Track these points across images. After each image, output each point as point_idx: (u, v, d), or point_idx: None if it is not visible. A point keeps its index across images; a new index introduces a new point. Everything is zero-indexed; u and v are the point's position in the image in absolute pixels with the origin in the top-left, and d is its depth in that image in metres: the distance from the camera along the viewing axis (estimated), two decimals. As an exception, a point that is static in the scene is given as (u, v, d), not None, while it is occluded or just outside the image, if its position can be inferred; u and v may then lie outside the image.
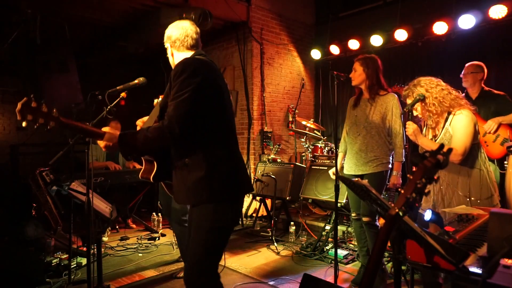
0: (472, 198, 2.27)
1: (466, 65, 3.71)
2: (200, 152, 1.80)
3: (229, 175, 1.84)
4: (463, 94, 3.79)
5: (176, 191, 1.91)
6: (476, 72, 3.63)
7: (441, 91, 2.36)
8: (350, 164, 3.09)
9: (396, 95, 3.04)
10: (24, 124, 1.57)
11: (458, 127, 2.29)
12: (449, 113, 2.36)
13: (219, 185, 1.80)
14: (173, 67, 2.03)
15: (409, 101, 2.45)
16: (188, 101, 1.71)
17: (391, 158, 3.00)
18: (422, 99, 2.38)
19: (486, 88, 3.68)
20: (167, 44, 2.02)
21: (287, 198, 4.59)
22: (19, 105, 1.55)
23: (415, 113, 2.48)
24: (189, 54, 1.96)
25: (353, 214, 3.14)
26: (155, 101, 3.32)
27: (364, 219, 2.99)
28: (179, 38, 1.95)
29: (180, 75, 1.75)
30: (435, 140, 2.42)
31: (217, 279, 1.87)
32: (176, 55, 2.00)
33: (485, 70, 3.65)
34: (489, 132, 3.50)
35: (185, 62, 1.80)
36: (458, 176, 2.32)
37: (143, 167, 1.96)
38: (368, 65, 2.99)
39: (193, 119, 1.74)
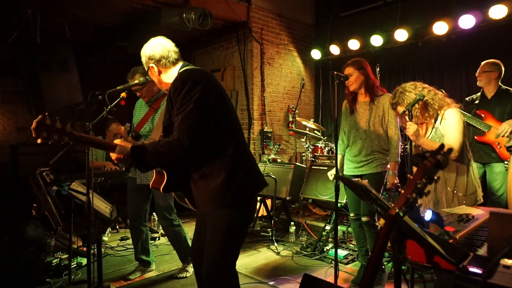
0: (460, 194, 2.33)
1: (482, 63, 3.62)
2: (216, 159, 1.83)
3: (246, 176, 1.88)
4: (479, 93, 3.76)
5: (199, 201, 1.94)
6: (490, 71, 3.54)
7: (429, 93, 2.39)
8: (349, 165, 3.09)
9: (391, 95, 3.03)
10: (39, 141, 1.62)
11: (450, 124, 2.33)
12: (436, 115, 2.40)
13: (238, 188, 1.84)
14: (160, 85, 2.04)
15: (401, 108, 2.46)
16: (193, 112, 1.73)
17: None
18: (422, 99, 2.39)
19: (504, 87, 3.58)
20: (150, 65, 1.97)
21: (287, 198, 4.59)
22: (34, 123, 1.59)
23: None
24: (176, 68, 1.97)
25: (351, 215, 3.14)
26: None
27: (364, 218, 2.99)
28: (163, 55, 1.93)
29: (180, 90, 1.76)
30: (429, 138, 2.45)
31: (236, 278, 1.91)
32: (165, 73, 1.98)
33: (502, 68, 3.55)
34: (503, 136, 3.40)
35: (182, 77, 1.82)
36: (447, 172, 2.37)
37: (153, 178, 1.98)
38: (361, 66, 2.96)
39: (201, 129, 1.76)
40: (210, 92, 1.81)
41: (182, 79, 1.80)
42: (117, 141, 1.77)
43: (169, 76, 1.97)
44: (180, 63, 1.99)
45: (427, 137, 2.44)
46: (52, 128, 1.63)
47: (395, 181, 2.95)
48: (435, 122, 2.41)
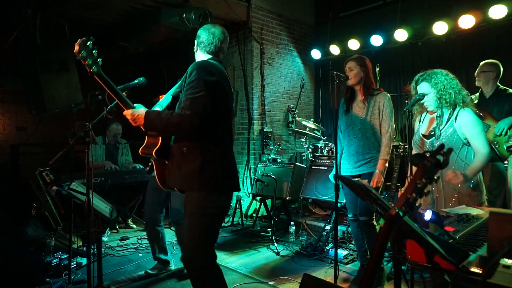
0: (462, 192, 2.32)
1: (480, 64, 3.68)
2: (199, 145, 1.98)
3: (220, 170, 2.02)
4: (478, 93, 3.78)
5: (170, 175, 2.06)
6: (489, 71, 3.58)
7: (458, 84, 2.44)
8: (347, 165, 3.07)
9: (387, 94, 3.01)
10: (80, 55, 1.81)
11: (473, 126, 2.32)
12: (455, 107, 2.40)
13: (209, 177, 1.98)
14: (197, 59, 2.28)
15: (425, 84, 2.46)
16: (205, 98, 1.91)
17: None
18: (422, 99, 2.43)
19: (502, 87, 3.61)
20: (195, 40, 2.26)
21: (287, 198, 4.59)
22: (80, 40, 1.82)
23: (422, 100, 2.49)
24: (207, 57, 2.19)
25: (349, 215, 3.13)
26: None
27: (362, 218, 2.98)
28: (203, 41, 2.19)
29: (197, 73, 1.94)
30: (440, 131, 2.42)
31: (214, 260, 2.05)
32: (198, 54, 2.25)
33: (500, 68, 3.60)
34: (499, 135, 3.46)
35: (202, 63, 2.05)
36: (452, 167, 2.35)
37: (145, 142, 2.03)
38: (363, 63, 2.98)
39: (206, 115, 1.91)
40: (219, 87, 2.01)
41: (201, 65, 2.00)
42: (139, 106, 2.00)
43: (200, 59, 2.20)
44: (211, 56, 2.19)
45: (441, 129, 2.42)
46: (92, 52, 1.83)
47: (381, 180, 2.89)
48: (450, 116, 2.41)
